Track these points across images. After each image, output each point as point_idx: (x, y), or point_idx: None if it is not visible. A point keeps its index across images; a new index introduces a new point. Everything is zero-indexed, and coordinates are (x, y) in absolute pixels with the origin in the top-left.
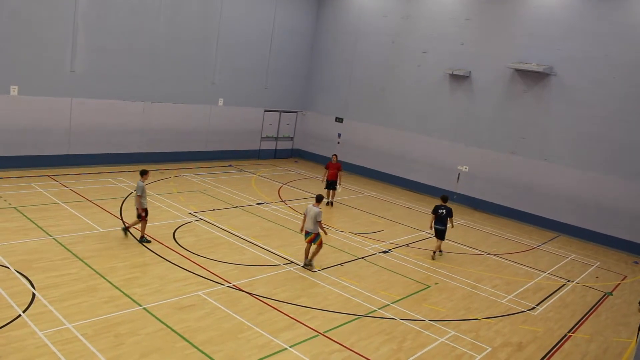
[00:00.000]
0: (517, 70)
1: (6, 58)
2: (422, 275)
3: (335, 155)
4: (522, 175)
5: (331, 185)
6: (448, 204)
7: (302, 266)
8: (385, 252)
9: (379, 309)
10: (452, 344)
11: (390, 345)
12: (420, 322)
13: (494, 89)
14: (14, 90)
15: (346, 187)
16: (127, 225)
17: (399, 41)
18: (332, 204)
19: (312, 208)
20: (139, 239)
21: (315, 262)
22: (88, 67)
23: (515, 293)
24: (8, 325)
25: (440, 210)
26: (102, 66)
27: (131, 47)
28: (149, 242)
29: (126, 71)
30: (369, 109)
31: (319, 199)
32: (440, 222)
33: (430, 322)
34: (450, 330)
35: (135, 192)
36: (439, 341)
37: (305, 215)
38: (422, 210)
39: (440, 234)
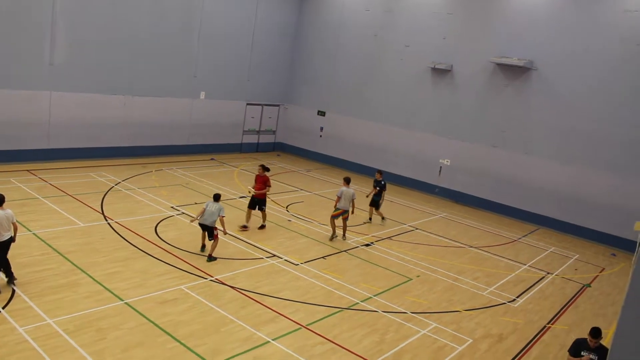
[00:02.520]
0: (498, 64)
1: None
2: (404, 267)
3: (261, 166)
4: (503, 169)
5: (256, 204)
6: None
7: (331, 239)
8: (367, 245)
9: (361, 301)
10: (434, 336)
11: (372, 337)
12: (402, 315)
13: (476, 82)
14: None
15: (328, 180)
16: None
17: (381, 35)
18: (263, 227)
19: (347, 190)
20: (207, 256)
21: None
22: (67, 60)
23: (496, 285)
24: None
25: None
26: (82, 59)
27: (111, 40)
28: (215, 259)
29: (106, 64)
30: (351, 103)
31: (348, 180)
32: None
33: (412, 314)
34: (432, 322)
35: (212, 213)
36: (421, 333)
37: (339, 196)
38: (404, 204)
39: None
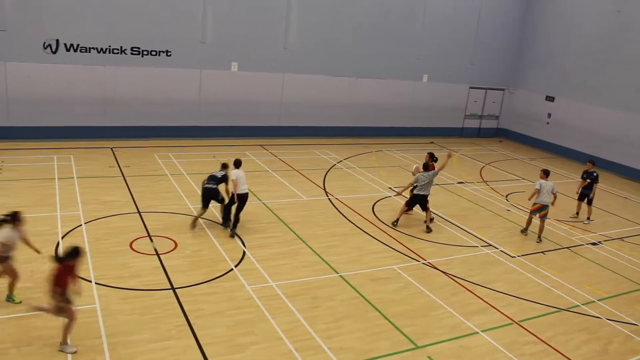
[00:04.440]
0: None
1: (228, 37)
2: (638, 274)
3: (429, 154)
4: None
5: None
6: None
7: (522, 231)
8: (594, 244)
9: (582, 304)
10: None
11: (593, 345)
12: (631, 326)
13: None
14: (234, 66)
15: (554, 171)
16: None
17: (626, 10)
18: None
19: (546, 182)
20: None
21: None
22: (298, 44)
23: None
24: (223, 277)
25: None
26: (311, 42)
27: (337, 23)
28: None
29: (333, 47)
30: (585, 87)
31: (547, 173)
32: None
33: None
34: None
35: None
36: None
37: (537, 189)
38: None
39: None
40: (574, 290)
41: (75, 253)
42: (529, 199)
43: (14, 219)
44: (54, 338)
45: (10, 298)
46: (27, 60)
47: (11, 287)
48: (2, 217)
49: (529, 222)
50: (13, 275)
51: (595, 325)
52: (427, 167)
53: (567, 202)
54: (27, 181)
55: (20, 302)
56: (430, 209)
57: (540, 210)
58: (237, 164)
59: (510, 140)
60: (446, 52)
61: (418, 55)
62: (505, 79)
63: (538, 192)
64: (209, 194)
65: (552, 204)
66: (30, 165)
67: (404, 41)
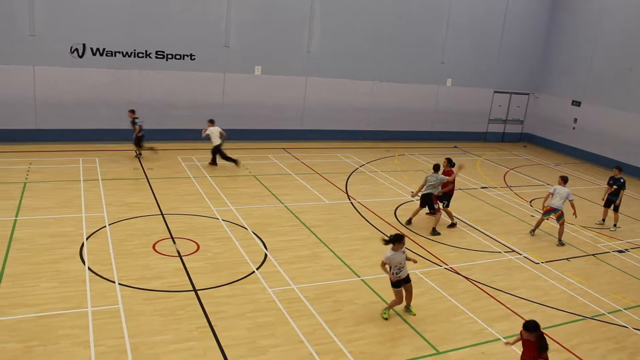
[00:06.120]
0: None
1: (252, 41)
2: None
3: (447, 159)
4: None
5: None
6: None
7: (530, 232)
8: (620, 251)
9: (608, 313)
10: None
11: (619, 355)
12: None
13: None
14: (257, 70)
15: (580, 177)
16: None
17: None
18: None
19: (561, 188)
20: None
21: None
22: (321, 48)
23: None
24: (244, 279)
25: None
26: (334, 46)
27: (361, 27)
28: (438, 234)
29: (356, 51)
30: (611, 92)
31: (565, 179)
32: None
33: None
34: None
35: (431, 184)
36: None
37: (551, 193)
38: None
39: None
40: (600, 299)
41: (532, 327)
42: (544, 204)
43: (394, 241)
44: (79, 337)
45: (409, 310)
46: (55, 65)
47: (408, 300)
48: (388, 238)
49: (538, 223)
50: (409, 291)
51: (622, 335)
52: (436, 168)
53: (593, 208)
54: (53, 183)
55: (415, 314)
56: (441, 211)
57: (550, 213)
58: (210, 121)
59: (534, 145)
60: (470, 56)
61: (442, 59)
62: (530, 83)
63: (550, 195)
64: None
65: (574, 214)
66: (56, 167)
67: (428, 45)
